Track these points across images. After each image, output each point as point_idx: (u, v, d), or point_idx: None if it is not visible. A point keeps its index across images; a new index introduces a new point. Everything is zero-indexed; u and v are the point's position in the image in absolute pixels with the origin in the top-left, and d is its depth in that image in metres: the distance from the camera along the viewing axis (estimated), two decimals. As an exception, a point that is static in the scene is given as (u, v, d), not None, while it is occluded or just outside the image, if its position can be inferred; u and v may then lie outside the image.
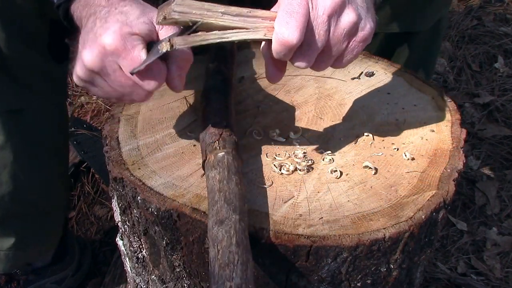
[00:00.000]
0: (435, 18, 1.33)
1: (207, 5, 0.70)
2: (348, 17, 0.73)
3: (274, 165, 0.87)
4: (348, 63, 0.78)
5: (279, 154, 0.90)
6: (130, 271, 1.03)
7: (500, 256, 1.62)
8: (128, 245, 0.97)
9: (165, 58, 0.76)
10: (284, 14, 0.71)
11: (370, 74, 1.10)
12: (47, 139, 1.22)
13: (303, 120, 0.99)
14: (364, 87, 1.07)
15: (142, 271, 0.96)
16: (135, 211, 0.85)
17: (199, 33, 0.71)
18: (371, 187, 0.84)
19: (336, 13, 0.72)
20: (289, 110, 1.01)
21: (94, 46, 0.75)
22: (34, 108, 1.15)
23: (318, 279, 0.78)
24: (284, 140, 0.94)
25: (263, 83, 1.09)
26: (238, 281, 0.62)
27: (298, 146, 0.92)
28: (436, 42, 1.44)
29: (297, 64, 0.75)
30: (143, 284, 0.98)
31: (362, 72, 1.11)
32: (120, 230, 0.99)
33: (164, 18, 0.70)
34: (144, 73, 0.75)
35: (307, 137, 0.95)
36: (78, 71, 0.79)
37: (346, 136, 0.95)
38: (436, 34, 1.39)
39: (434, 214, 0.80)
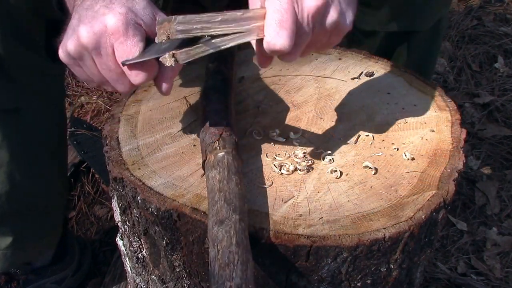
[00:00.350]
0: (435, 18, 1.33)
1: (205, 17, 0.70)
2: (331, 18, 0.75)
3: (274, 165, 0.87)
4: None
5: (279, 154, 0.90)
6: (130, 271, 1.03)
7: (500, 256, 1.62)
8: (128, 245, 0.97)
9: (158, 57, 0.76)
10: (273, 24, 0.72)
11: (370, 74, 1.10)
12: (45, 138, 1.21)
13: (303, 120, 0.99)
14: (364, 87, 1.07)
15: (142, 271, 0.96)
16: (135, 211, 0.85)
17: (199, 44, 0.72)
18: (371, 187, 0.84)
19: (320, 14, 0.74)
20: (289, 110, 1.01)
21: (95, 23, 0.73)
22: (31, 107, 1.14)
23: (318, 279, 0.78)
24: (284, 140, 0.94)
25: (263, 83, 1.09)
26: (238, 281, 0.62)
27: (298, 146, 0.92)
28: (436, 42, 1.44)
29: (282, 59, 0.77)
30: (143, 284, 0.98)
31: (362, 72, 1.11)
32: (120, 230, 0.99)
33: (168, 37, 0.70)
34: (135, 66, 0.74)
35: (307, 137, 0.95)
36: (69, 46, 0.76)
37: (346, 136, 0.95)
38: (436, 34, 1.39)
39: (434, 214, 0.80)
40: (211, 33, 0.71)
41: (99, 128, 1.90)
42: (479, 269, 1.58)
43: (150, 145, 0.92)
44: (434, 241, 0.89)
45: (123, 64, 0.74)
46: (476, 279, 1.54)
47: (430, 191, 0.83)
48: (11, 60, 1.07)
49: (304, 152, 0.90)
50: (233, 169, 0.77)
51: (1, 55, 1.05)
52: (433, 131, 0.96)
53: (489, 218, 1.73)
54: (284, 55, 0.76)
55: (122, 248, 1.02)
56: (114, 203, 0.93)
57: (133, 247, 0.94)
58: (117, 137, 0.93)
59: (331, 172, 0.86)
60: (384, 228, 0.76)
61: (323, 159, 0.89)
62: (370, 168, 0.87)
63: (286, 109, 1.02)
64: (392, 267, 0.81)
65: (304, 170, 0.86)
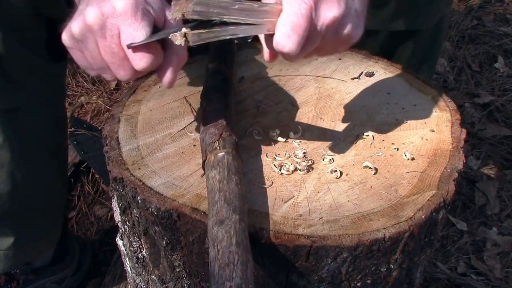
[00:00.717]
0: (437, 17, 1.34)
1: (223, 2, 0.69)
2: (346, 30, 0.75)
3: (274, 165, 0.87)
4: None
5: (279, 154, 0.90)
6: (130, 271, 1.03)
7: (500, 256, 1.62)
8: (128, 245, 0.97)
9: (164, 46, 0.75)
10: (287, 25, 0.71)
11: (370, 74, 1.10)
12: (45, 138, 1.21)
13: (303, 120, 0.99)
14: (364, 87, 1.07)
15: (142, 271, 0.96)
16: (135, 211, 0.85)
17: (213, 29, 0.71)
18: (371, 187, 0.84)
19: (335, 25, 0.74)
20: (289, 110, 1.01)
21: (103, 5, 0.72)
22: (32, 107, 1.14)
23: (318, 279, 0.78)
24: (284, 140, 0.94)
25: (263, 83, 1.09)
26: (238, 281, 0.62)
27: (298, 146, 0.92)
28: (438, 41, 1.44)
29: (285, 58, 0.77)
30: (143, 284, 0.98)
31: (362, 72, 1.11)
32: (120, 230, 0.99)
33: (183, 15, 0.69)
34: (140, 49, 0.73)
35: (307, 137, 0.95)
36: (74, 27, 0.74)
37: (346, 136, 0.95)
38: (438, 32, 1.40)
39: (434, 214, 0.80)
40: (225, 19, 0.70)
41: (99, 128, 1.90)
42: (479, 269, 1.58)
43: (150, 145, 0.92)
44: (434, 241, 0.89)
45: (128, 47, 0.72)
46: (476, 279, 1.54)
47: (430, 191, 0.83)
48: (11, 60, 1.07)
49: (304, 152, 0.90)
50: (233, 169, 0.77)
51: (1, 55, 1.05)
52: (433, 131, 0.96)
53: (489, 218, 1.73)
54: (290, 57, 0.76)
55: (122, 248, 1.02)
56: (114, 203, 0.93)
57: (133, 247, 0.94)
58: (117, 137, 0.93)
59: (331, 172, 0.86)
60: (384, 228, 0.76)
61: (323, 159, 0.89)
62: (370, 168, 0.87)
63: (286, 109, 1.02)
64: (392, 267, 0.81)
65: (304, 170, 0.86)
